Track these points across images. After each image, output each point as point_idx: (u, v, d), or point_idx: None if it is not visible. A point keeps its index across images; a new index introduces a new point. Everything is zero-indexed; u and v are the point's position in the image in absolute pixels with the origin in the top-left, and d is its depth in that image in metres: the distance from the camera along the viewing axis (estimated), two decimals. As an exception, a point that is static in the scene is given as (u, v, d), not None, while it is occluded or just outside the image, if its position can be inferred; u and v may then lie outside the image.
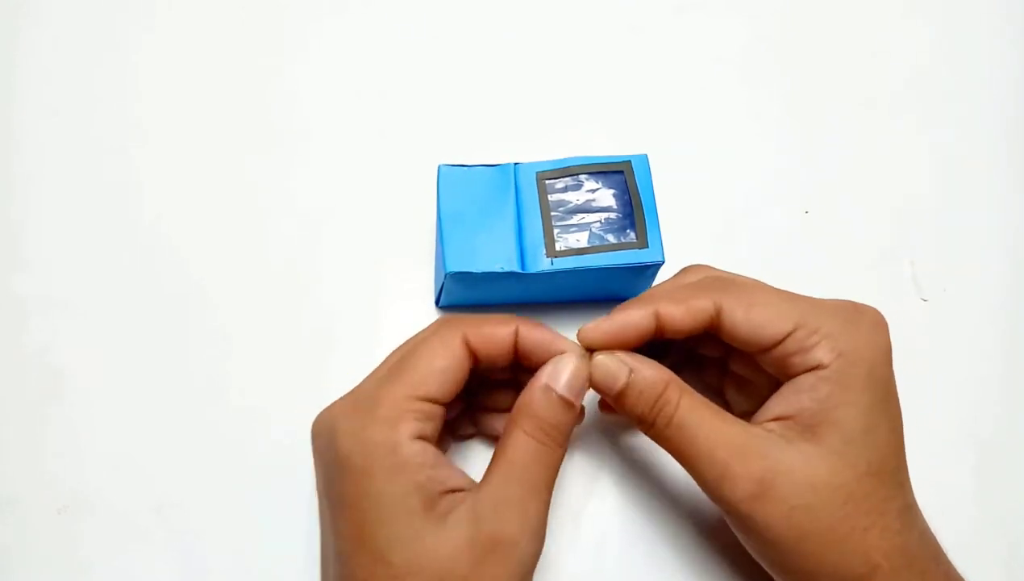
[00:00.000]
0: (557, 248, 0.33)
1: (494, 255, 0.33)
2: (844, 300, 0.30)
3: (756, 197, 0.42)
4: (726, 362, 0.33)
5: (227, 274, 0.39)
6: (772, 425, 0.28)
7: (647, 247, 0.33)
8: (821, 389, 0.27)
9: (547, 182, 0.34)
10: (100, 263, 0.39)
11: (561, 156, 0.34)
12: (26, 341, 0.37)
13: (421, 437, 0.27)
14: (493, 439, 0.35)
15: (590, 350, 0.29)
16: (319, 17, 0.45)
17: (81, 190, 0.40)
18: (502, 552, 0.26)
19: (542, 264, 0.33)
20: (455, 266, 0.32)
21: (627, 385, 0.28)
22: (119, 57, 0.43)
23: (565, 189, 0.34)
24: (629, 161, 0.34)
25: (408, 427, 0.27)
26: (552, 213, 0.33)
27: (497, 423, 0.34)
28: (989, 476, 0.36)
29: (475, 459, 0.35)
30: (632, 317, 0.29)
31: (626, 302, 0.30)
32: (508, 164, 0.34)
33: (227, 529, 0.35)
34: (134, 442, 0.36)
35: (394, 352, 0.31)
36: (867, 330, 0.29)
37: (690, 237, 0.36)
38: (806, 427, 0.27)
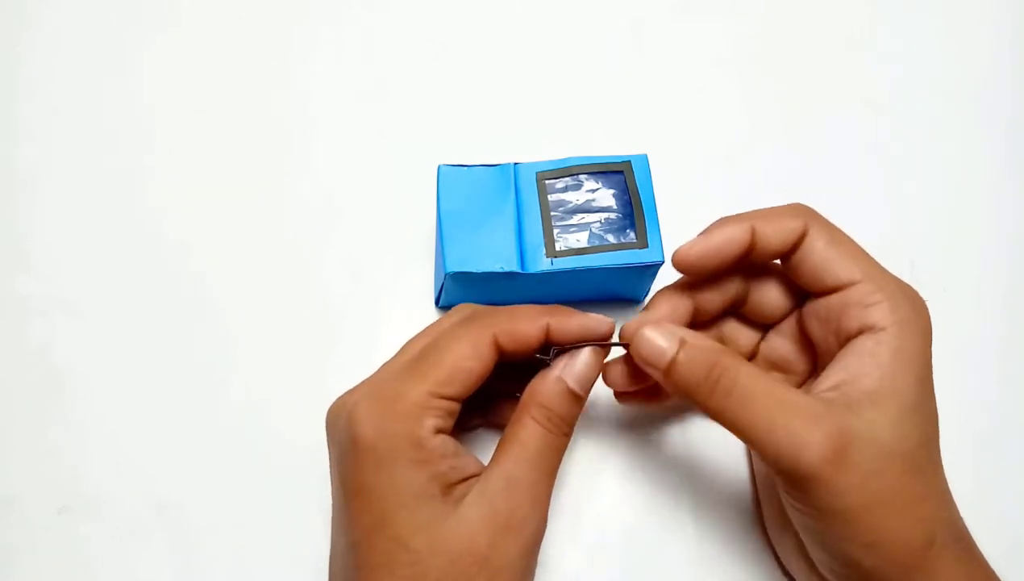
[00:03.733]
0: (557, 248, 0.33)
1: (494, 255, 0.33)
2: (889, 276, 0.30)
3: (756, 197, 0.41)
4: (758, 343, 0.34)
5: (227, 274, 0.39)
6: (831, 394, 0.28)
7: (647, 247, 0.33)
8: (882, 354, 0.27)
9: (547, 182, 0.34)
10: (101, 263, 0.39)
11: (561, 156, 0.34)
12: (27, 341, 0.37)
13: (442, 431, 0.28)
14: (500, 427, 0.35)
15: (617, 342, 0.30)
16: (321, 18, 0.45)
17: (83, 189, 0.40)
18: (515, 530, 0.27)
19: (542, 264, 0.33)
20: (455, 266, 0.32)
21: (676, 358, 0.28)
22: (122, 56, 0.43)
23: (565, 189, 0.34)
24: (629, 161, 0.34)
25: (431, 423, 0.27)
26: (552, 213, 0.33)
27: (507, 411, 0.33)
28: (989, 476, 0.36)
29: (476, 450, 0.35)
30: (731, 232, 0.29)
31: (719, 220, 0.30)
32: (508, 164, 0.34)
33: (227, 529, 0.35)
34: (134, 442, 0.36)
35: (414, 340, 0.31)
36: (920, 311, 0.29)
37: (690, 237, 0.36)
38: (867, 393, 0.27)
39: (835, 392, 0.28)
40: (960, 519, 0.28)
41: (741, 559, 0.34)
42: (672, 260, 0.30)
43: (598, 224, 0.33)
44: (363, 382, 0.30)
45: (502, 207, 0.33)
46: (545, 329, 0.29)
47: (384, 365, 0.30)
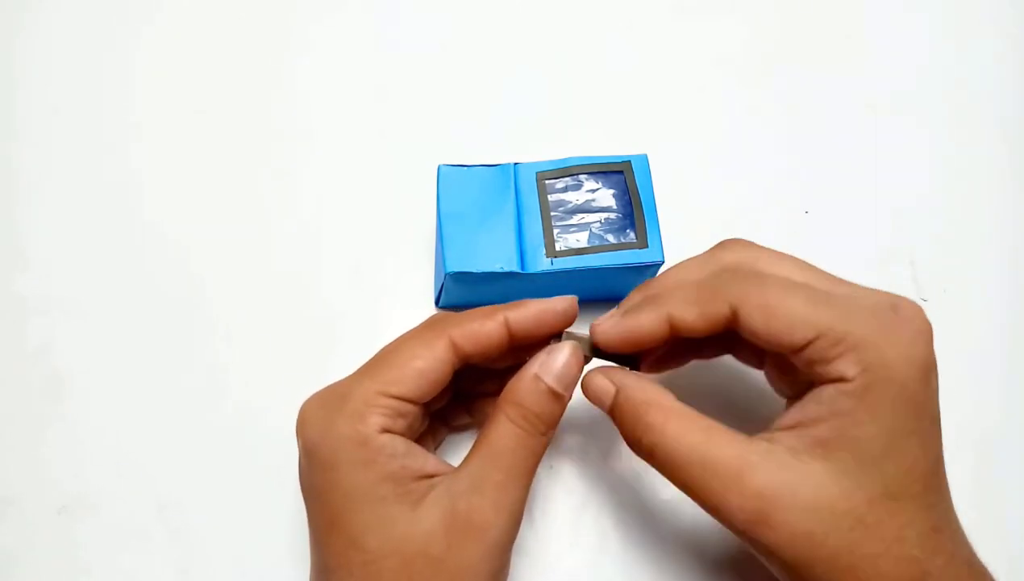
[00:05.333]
0: (557, 248, 0.33)
1: (494, 255, 0.33)
2: (887, 298, 0.27)
3: (756, 197, 0.42)
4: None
5: (227, 274, 0.39)
6: (783, 435, 0.26)
7: (647, 247, 0.33)
8: (841, 404, 0.25)
9: (547, 182, 0.34)
10: (100, 263, 0.39)
11: (561, 156, 0.34)
12: (26, 341, 0.37)
13: (389, 431, 0.27)
14: None
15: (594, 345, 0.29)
16: (320, 17, 0.45)
17: (82, 189, 0.40)
18: (476, 533, 0.26)
19: (542, 264, 0.33)
20: (455, 266, 0.32)
21: (614, 401, 0.28)
22: (121, 56, 0.43)
23: (565, 189, 0.34)
24: (629, 161, 0.34)
25: (376, 421, 0.27)
26: (552, 213, 0.33)
27: (489, 410, 0.33)
28: (989, 477, 0.36)
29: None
30: (643, 322, 0.28)
31: (639, 295, 0.29)
32: (508, 164, 0.34)
33: (227, 529, 0.35)
34: (134, 442, 0.36)
35: (381, 350, 0.30)
36: (905, 341, 0.26)
37: (690, 237, 0.36)
38: (819, 441, 0.25)
39: (789, 433, 0.26)
40: (950, 565, 0.26)
41: (741, 561, 0.34)
42: (590, 332, 0.29)
43: (598, 224, 0.33)
44: (321, 389, 0.30)
45: (502, 207, 0.33)
46: (504, 323, 0.28)
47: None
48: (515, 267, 0.32)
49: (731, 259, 0.29)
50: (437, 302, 0.38)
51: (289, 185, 0.41)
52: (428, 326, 0.29)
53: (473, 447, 0.28)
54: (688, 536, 0.35)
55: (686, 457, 0.26)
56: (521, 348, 0.29)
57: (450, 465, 0.29)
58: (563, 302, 0.29)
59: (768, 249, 0.29)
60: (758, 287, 0.27)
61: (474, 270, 0.32)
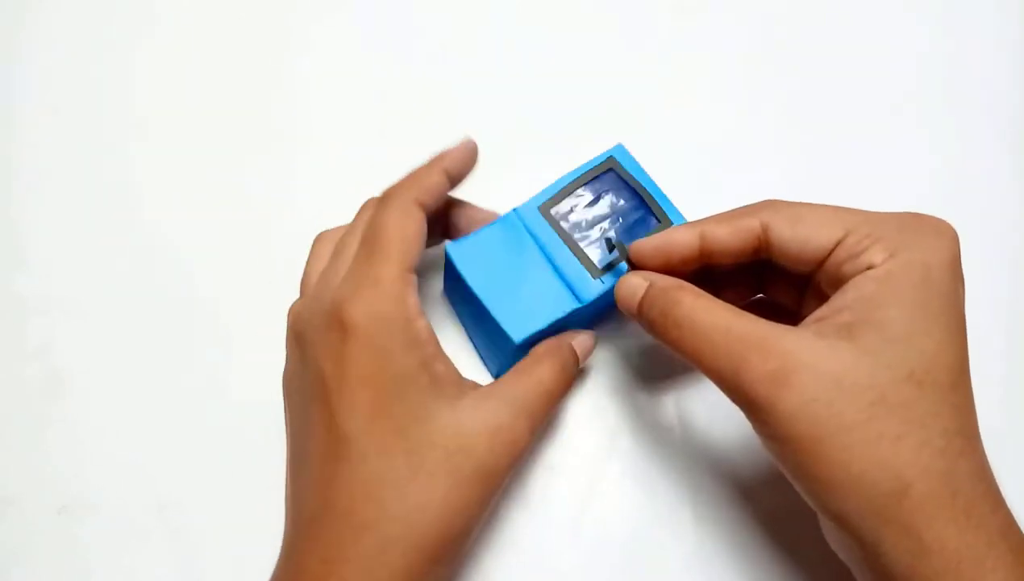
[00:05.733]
0: (598, 265, 0.33)
1: (548, 303, 0.32)
2: (905, 212, 0.28)
3: (756, 197, 0.42)
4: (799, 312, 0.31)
5: (227, 274, 0.39)
6: (810, 324, 0.26)
7: (672, 224, 0.33)
8: (866, 287, 0.25)
9: (552, 211, 0.33)
10: (100, 263, 0.39)
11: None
12: (26, 341, 0.37)
13: (421, 311, 0.29)
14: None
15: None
16: (320, 17, 0.45)
17: (81, 190, 0.40)
18: (512, 448, 0.29)
19: (595, 287, 0.32)
20: (520, 333, 0.31)
21: (644, 295, 0.29)
22: (120, 56, 0.43)
23: (571, 210, 0.34)
24: (612, 156, 0.34)
25: (413, 301, 0.29)
26: (574, 236, 0.33)
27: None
28: (995, 476, 0.36)
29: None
30: (676, 236, 0.29)
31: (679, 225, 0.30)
32: (509, 213, 0.33)
33: (227, 529, 0.35)
34: (134, 442, 0.36)
35: (334, 241, 0.32)
36: (929, 236, 0.26)
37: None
38: (844, 325, 0.25)
39: (816, 323, 0.26)
40: (976, 476, 0.25)
41: (741, 559, 0.34)
42: (629, 252, 0.31)
43: (619, 225, 0.33)
44: (319, 286, 0.31)
45: (527, 254, 0.33)
46: (444, 172, 0.31)
47: (331, 270, 0.31)
48: (574, 304, 0.32)
49: (764, 215, 0.29)
50: (497, 375, 0.36)
51: (289, 185, 0.41)
52: (387, 200, 0.31)
53: (513, 373, 0.31)
54: (688, 535, 0.35)
55: (712, 325, 0.26)
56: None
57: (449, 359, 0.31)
58: (468, 142, 0.33)
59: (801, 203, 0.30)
60: (790, 205, 0.28)
61: (541, 327, 0.32)
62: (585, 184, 0.34)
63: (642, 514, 0.35)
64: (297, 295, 0.39)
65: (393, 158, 0.41)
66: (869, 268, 0.25)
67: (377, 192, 0.41)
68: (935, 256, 0.26)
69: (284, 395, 0.34)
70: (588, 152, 0.35)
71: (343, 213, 0.40)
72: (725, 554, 0.34)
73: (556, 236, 0.33)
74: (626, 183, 0.34)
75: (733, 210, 0.29)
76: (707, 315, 0.27)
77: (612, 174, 0.34)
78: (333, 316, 0.28)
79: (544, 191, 0.34)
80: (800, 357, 0.24)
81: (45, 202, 0.40)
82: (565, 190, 0.34)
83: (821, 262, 0.27)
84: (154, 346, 0.37)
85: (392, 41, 0.45)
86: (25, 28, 0.44)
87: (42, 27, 0.44)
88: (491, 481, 0.29)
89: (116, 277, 0.39)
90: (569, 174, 0.34)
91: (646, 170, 0.34)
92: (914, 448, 0.24)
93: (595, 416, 0.37)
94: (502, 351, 0.33)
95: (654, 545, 0.35)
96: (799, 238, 0.27)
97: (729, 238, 0.28)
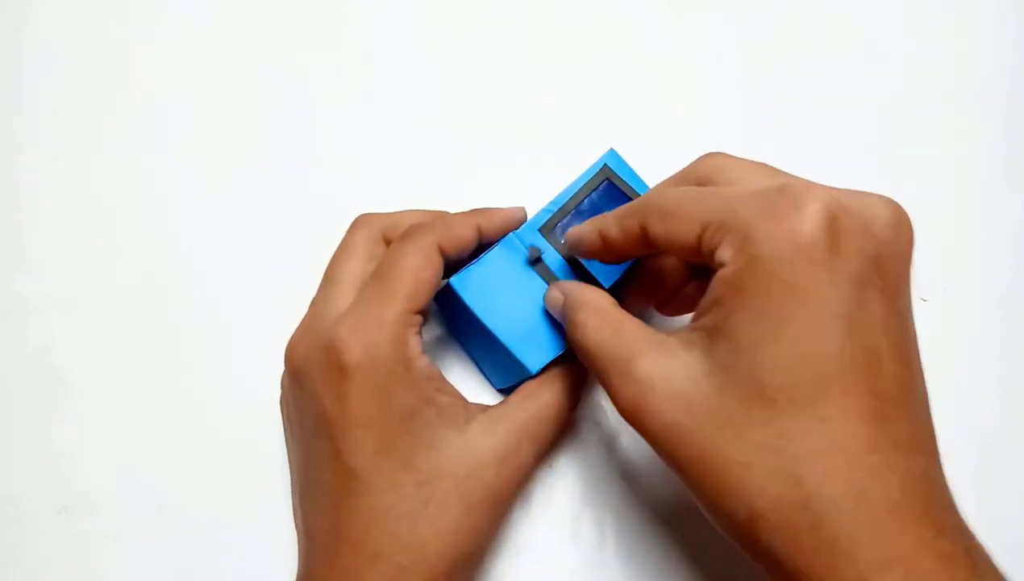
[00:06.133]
0: (604, 283, 0.32)
1: (561, 328, 0.31)
2: (782, 180, 0.25)
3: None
4: None
5: (229, 275, 0.39)
6: (687, 328, 0.25)
7: None
8: (717, 290, 0.23)
9: (551, 232, 0.33)
10: (100, 263, 0.39)
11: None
12: (26, 341, 0.37)
13: (422, 351, 0.29)
14: None
15: None
16: (320, 17, 0.45)
17: (82, 189, 0.40)
18: (519, 471, 0.29)
19: None
20: (537, 362, 0.31)
21: (562, 309, 0.29)
22: (122, 55, 0.43)
23: (570, 225, 0.33)
24: (605, 164, 0.33)
25: (414, 342, 0.29)
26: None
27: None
28: (989, 477, 0.36)
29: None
30: (583, 230, 0.29)
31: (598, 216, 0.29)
32: (509, 237, 0.32)
33: (228, 529, 0.35)
34: (134, 442, 0.36)
35: (341, 269, 0.32)
36: (782, 217, 0.22)
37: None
38: (708, 332, 0.23)
39: (690, 327, 0.24)
40: (857, 498, 0.21)
41: (741, 558, 0.34)
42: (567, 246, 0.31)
43: None
44: (314, 320, 0.31)
45: (533, 279, 0.32)
46: (477, 228, 0.31)
47: (325, 301, 0.31)
48: None
49: (702, 173, 0.28)
50: (502, 387, 0.36)
51: (289, 185, 0.41)
52: (409, 237, 0.30)
53: (524, 399, 0.31)
54: (688, 535, 0.35)
55: (596, 348, 0.26)
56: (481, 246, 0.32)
57: (457, 390, 0.31)
58: (519, 210, 0.32)
59: (739, 158, 0.28)
60: (662, 196, 0.26)
61: (557, 354, 0.31)
62: (583, 198, 0.33)
63: (642, 514, 0.35)
64: (297, 295, 0.39)
65: (393, 158, 0.42)
66: (720, 265, 0.23)
67: (377, 192, 0.41)
68: (784, 245, 0.21)
69: (283, 419, 0.34)
70: (586, 152, 0.35)
71: (344, 214, 0.40)
72: (725, 554, 0.35)
73: (559, 256, 0.32)
74: (622, 193, 0.33)
75: (626, 206, 0.28)
76: (593, 338, 0.26)
77: (608, 185, 0.33)
78: (332, 354, 0.28)
79: (543, 211, 0.33)
80: (655, 382, 0.23)
81: (45, 202, 0.40)
82: (564, 209, 0.33)
83: (697, 257, 0.24)
84: (154, 346, 0.37)
85: (392, 41, 0.44)
86: (25, 27, 0.44)
87: (42, 26, 0.44)
88: (500, 507, 0.29)
89: (116, 277, 0.39)
90: (566, 191, 0.33)
91: (641, 172, 0.34)
92: (763, 476, 0.21)
93: (595, 416, 0.37)
94: (512, 373, 0.33)
95: (654, 545, 0.35)
96: (667, 237, 0.25)
97: (617, 237, 0.27)
